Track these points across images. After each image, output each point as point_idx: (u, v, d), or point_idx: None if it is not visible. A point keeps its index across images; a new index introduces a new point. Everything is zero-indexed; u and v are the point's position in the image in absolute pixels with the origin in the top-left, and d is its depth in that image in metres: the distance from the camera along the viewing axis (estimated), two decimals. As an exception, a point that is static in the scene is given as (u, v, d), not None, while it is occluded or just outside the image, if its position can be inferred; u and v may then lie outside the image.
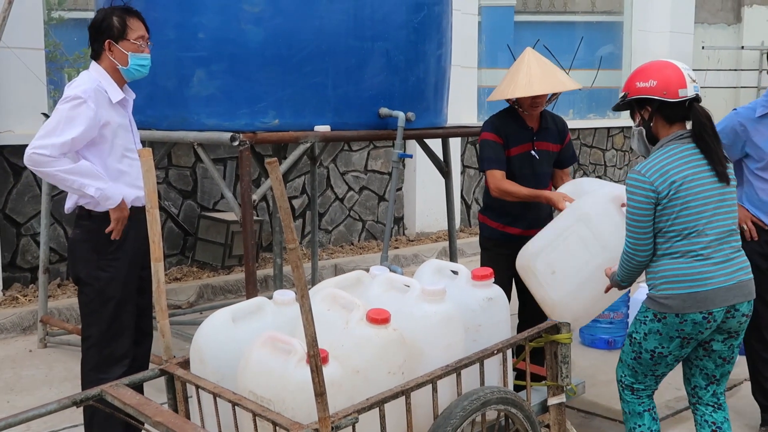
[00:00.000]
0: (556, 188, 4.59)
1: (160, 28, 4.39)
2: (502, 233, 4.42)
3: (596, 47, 12.55)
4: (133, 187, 3.69)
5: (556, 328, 3.28)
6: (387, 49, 4.81)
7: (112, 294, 3.67)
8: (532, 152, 4.31)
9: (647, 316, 3.23)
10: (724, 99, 13.68)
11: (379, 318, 2.78)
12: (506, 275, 4.21)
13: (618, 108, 3.43)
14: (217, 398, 2.84)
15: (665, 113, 3.20)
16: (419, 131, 5.09)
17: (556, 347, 3.29)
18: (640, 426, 3.38)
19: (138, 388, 3.23)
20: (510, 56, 11.42)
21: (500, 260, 4.23)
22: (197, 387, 2.95)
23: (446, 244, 9.00)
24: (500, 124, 4.32)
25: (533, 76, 4.13)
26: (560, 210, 3.97)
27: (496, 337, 3.17)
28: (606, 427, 4.39)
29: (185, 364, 3.11)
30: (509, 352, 3.19)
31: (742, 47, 13.42)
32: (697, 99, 3.20)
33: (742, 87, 13.59)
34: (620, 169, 12.36)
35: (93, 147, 3.62)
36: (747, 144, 4.20)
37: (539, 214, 4.35)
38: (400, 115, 4.73)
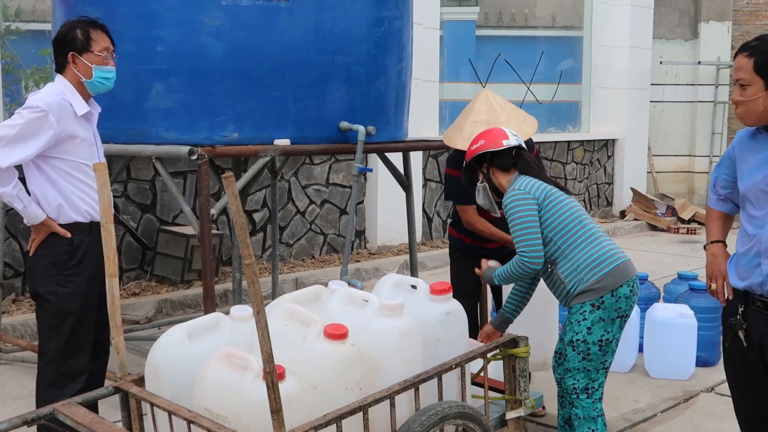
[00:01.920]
0: None
1: (118, 40, 4.30)
2: (470, 245, 4.55)
3: (557, 61, 12.69)
4: (94, 202, 3.64)
5: (514, 342, 3.29)
6: (347, 63, 4.82)
7: (71, 310, 3.63)
8: None
9: (585, 311, 3.50)
10: (682, 113, 13.90)
11: (336, 333, 2.77)
12: (473, 284, 4.40)
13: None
14: (172, 416, 2.80)
15: (498, 162, 3.75)
16: (380, 145, 5.10)
17: (515, 361, 3.30)
18: (594, 430, 3.55)
19: (92, 405, 3.18)
20: (472, 70, 11.51)
21: (469, 270, 4.32)
22: (152, 404, 2.91)
23: (407, 257, 9.00)
24: (461, 158, 4.34)
25: (477, 129, 4.20)
26: None
27: (454, 351, 3.17)
28: (565, 440, 4.40)
29: (140, 381, 3.07)
30: (467, 367, 3.19)
31: (699, 62, 13.65)
32: (521, 148, 3.78)
33: (699, 101, 13.80)
34: (580, 182, 12.48)
35: (54, 159, 3.58)
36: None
37: (505, 229, 4.41)
38: (360, 129, 4.74)
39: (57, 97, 3.58)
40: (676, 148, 13.96)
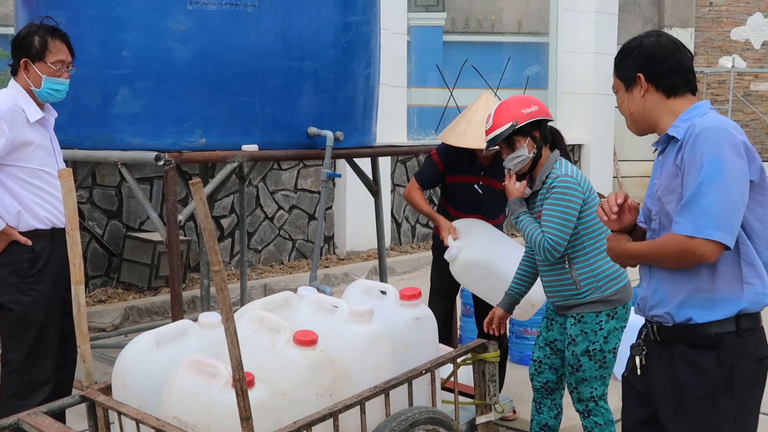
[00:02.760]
0: None
1: (83, 45, 4.29)
2: None
3: (523, 67, 12.77)
4: (54, 209, 3.59)
5: (483, 347, 3.30)
6: (315, 68, 4.80)
7: (34, 318, 3.57)
8: (476, 186, 4.44)
9: (601, 320, 3.47)
10: (646, 119, 14.02)
11: (306, 340, 2.76)
12: (451, 282, 4.40)
13: (498, 140, 3.55)
14: (140, 425, 2.77)
15: (545, 134, 3.58)
16: (348, 150, 5.09)
17: (484, 366, 3.31)
18: None
19: (60, 415, 3.13)
20: (439, 76, 11.55)
21: (448, 267, 4.32)
22: (119, 413, 2.87)
23: (376, 262, 9.00)
24: (450, 151, 4.44)
25: (472, 127, 4.25)
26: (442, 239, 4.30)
27: (424, 356, 3.17)
28: (534, 444, 4.41)
29: (107, 389, 3.04)
30: (437, 372, 3.19)
31: (663, 68, 13.81)
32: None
33: (662, 107, 13.95)
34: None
35: (9, 167, 3.52)
36: None
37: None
38: (329, 134, 4.73)
39: (8, 103, 3.52)
40: (641, 153, 14.11)
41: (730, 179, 2.34)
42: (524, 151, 3.54)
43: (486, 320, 3.79)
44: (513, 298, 3.80)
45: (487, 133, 3.62)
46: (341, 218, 9.46)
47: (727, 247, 2.34)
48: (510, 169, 3.60)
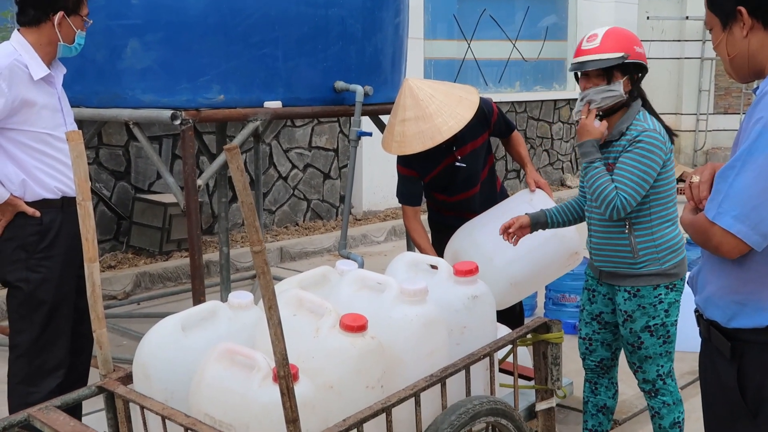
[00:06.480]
0: (513, 156, 4.33)
1: (87, -8, 3.90)
2: (447, 216, 4.25)
3: (541, 17, 12.27)
4: (64, 176, 3.23)
5: (546, 327, 2.95)
6: (342, 16, 4.41)
7: (44, 297, 3.22)
8: (457, 164, 3.98)
9: (660, 293, 3.19)
10: (668, 70, 13.57)
11: (355, 325, 2.41)
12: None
13: (601, 65, 3.09)
14: (167, 421, 2.44)
15: (638, 83, 3.22)
16: (378, 106, 4.71)
17: (546, 347, 2.96)
18: (682, 412, 3.33)
19: (75, 407, 2.80)
20: (456, 27, 11.08)
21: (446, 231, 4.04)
22: (142, 407, 2.54)
23: (395, 222, 8.67)
24: (412, 155, 3.85)
25: (407, 129, 3.73)
26: None
27: (481, 338, 2.82)
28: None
29: (127, 378, 2.70)
30: (496, 356, 2.85)
31: (687, 17, 13.30)
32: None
33: (685, 58, 13.49)
34: (567, 142, 12.15)
35: (10, 131, 3.14)
36: None
37: (471, 206, 4.13)
38: (358, 89, 4.35)
39: (8, 59, 3.13)
40: (663, 105, 13.64)
41: None
42: (619, 87, 3.11)
43: (505, 223, 3.42)
44: (545, 220, 3.44)
45: (589, 52, 3.11)
46: (357, 176, 9.07)
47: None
48: (591, 103, 3.14)
